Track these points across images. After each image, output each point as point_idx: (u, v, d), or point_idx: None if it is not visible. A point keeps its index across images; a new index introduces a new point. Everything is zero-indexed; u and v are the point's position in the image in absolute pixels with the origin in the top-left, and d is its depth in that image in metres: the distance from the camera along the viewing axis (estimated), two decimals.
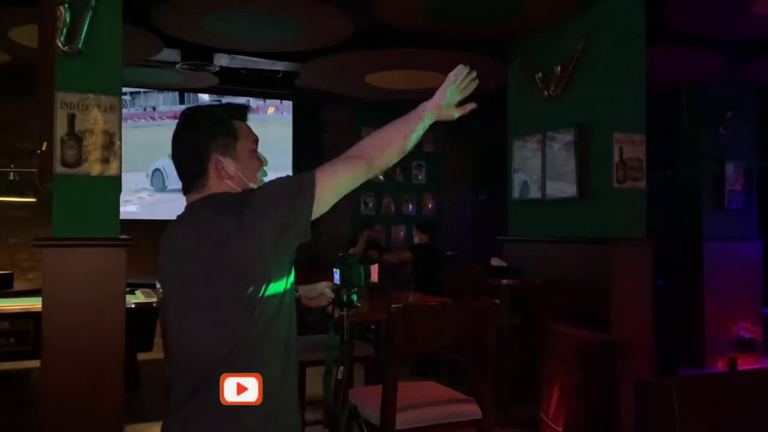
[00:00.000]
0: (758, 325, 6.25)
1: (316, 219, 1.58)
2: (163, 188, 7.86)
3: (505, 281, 4.79)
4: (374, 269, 4.02)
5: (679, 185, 6.78)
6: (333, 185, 1.57)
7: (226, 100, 7.45)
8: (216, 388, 1.53)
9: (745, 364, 5.04)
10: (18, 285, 6.46)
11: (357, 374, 4.05)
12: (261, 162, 1.73)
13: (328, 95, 8.16)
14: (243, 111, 1.72)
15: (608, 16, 4.52)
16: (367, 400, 2.72)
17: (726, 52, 5.70)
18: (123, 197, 3.60)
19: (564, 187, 4.76)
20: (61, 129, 3.29)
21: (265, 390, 1.57)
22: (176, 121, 1.72)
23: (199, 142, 1.65)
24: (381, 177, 8.43)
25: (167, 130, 2.09)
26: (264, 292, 1.55)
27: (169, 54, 6.06)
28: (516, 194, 5.35)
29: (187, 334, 1.61)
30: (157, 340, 4.70)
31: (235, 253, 1.52)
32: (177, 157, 1.69)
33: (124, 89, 6.79)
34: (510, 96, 5.52)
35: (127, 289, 3.63)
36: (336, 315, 2.11)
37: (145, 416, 4.49)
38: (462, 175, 9.71)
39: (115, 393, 3.34)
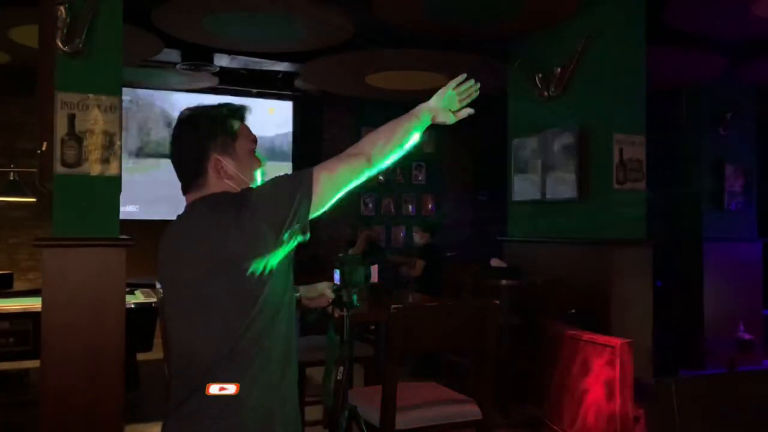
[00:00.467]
0: (758, 325, 6.25)
1: (316, 219, 1.58)
2: None
3: (504, 282, 4.79)
4: (374, 269, 4.02)
5: (679, 186, 6.78)
6: (331, 183, 1.57)
7: (226, 100, 7.45)
8: (215, 389, 1.54)
9: (745, 364, 5.03)
10: (18, 285, 6.45)
11: (357, 374, 4.05)
12: (260, 162, 1.74)
13: (328, 95, 8.17)
14: (242, 111, 1.73)
15: (608, 16, 4.52)
16: (367, 400, 2.72)
17: (726, 52, 5.70)
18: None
19: (564, 188, 4.76)
20: (61, 129, 3.29)
21: (265, 389, 1.57)
22: None
23: (199, 142, 1.65)
24: (381, 177, 8.44)
25: None
26: (263, 292, 1.55)
27: (169, 54, 6.06)
28: (516, 195, 5.35)
29: (186, 333, 1.61)
30: (157, 340, 4.70)
31: (233, 252, 1.52)
32: (176, 156, 1.69)
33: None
34: (510, 96, 5.52)
35: (127, 289, 3.64)
36: (336, 315, 2.11)
37: (145, 416, 4.49)
38: (462, 175, 9.71)
39: (115, 393, 3.34)
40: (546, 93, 4.92)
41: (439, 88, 1.76)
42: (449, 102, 1.74)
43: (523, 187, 5.24)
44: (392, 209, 9.26)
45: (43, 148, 3.52)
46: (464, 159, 9.69)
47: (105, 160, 3.36)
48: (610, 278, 4.32)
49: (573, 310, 4.33)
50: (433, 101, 1.73)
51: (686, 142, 6.69)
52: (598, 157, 4.51)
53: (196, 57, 6.20)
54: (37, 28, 4.04)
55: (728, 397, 1.91)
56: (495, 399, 2.90)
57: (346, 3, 4.68)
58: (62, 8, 3.21)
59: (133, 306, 4.75)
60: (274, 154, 8.71)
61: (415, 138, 1.68)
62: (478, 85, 1.76)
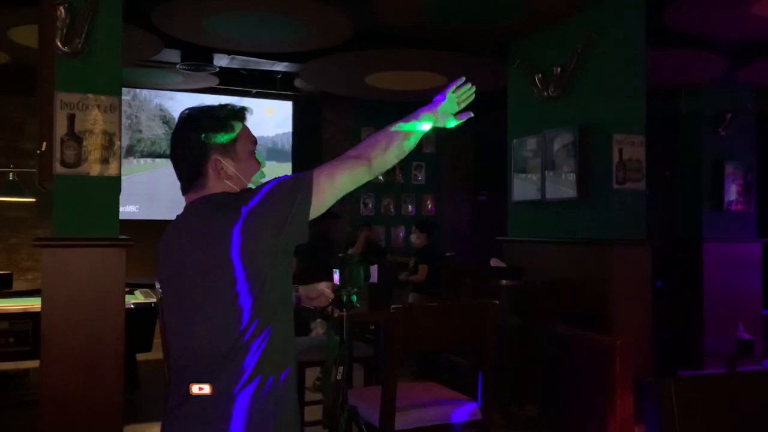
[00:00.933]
0: (757, 326, 6.25)
1: (316, 219, 1.59)
2: None
3: (504, 282, 4.79)
4: (374, 269, 4.02)
5: (679, 186, 6.78)
6: (331, 186, 1.57)
7: (225, 100, 7.45)
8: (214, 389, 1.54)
9: (744, 365, 5.03)
10: (17, 285, 6.45)
11: (357, 374, 4.05)
12: (259, 163, 1.74)
13: (328, 95, 8.17)
14: (242, 112, 1.73)
15: (608, 16, 4.52)
16: (366, 400, 2.73)
17: (726, 53, 5.70)
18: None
19: (564, 188, 4.76)
20: (60, 129, 3.29)
21: (264, 390, 1.57)
22: None
23: (199, 142, 1.66)
24: (380, 178, 8.43)
25: None
26: (262, 292, 1.55)
27: (169, 54, 6.06)
28: (516, 195, 5.35)
29: (185, 333, 1.61)
30: (157, 341, 4.71)
31: (233, 252, 1.52)
32: (176, 157, 1.70)
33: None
34: (510, 96, 5.52)
35: (127, 289, 3.63)
36: (336, 315, 2.11)
37: (144, 416, 4.49)
38: (462, 175, 9.71)
39: (115, 393, 3.33)
40: (546, 93, 4.92)
41: (437, 88, 1.77)
42: (449, 105, 1.75)
43: (523, 187, 5.24)
44: (392, 209, 9.27)
45: (43, 148, 3.52)
46: (464, 159, 9.70)
47: (105, 161, 3.36)
48: (609, 278, 4.32)
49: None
50: (434, 104, 1.73)
51: (686, 142, 6.70)
52: (598, 157, 4.51)
53: (196, 57, 6.20)
54: (36, 28, 4.04)
55: (728, 398, 1.91)
56: (495, 399, 2.89)
57: (346, 3, 4.68)
58: (62, 8, 3.21)
59: (132, 306, 4.76)
60: (274, 154, 8.72)
61: (415, 141, 1.69)
62: (474, 89, 1.77)
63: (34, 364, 4.59)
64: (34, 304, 4.42)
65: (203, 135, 1.66)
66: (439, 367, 5.49)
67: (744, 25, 4.94)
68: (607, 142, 4.42)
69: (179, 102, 7.97)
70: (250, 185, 1.69)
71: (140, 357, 5.14)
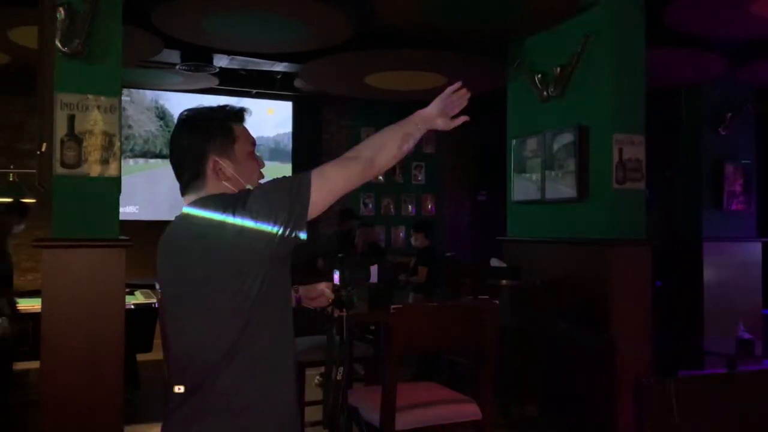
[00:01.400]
0: (758, 325, 6.25)
1: (315, 219, 1.59)
2: None
3: (504, 282, 4.79)
4: (374, 269, 4.02)
5: (679, 186, 6.78)
6: (328, 187, 1.58)
7: (225, 100, 7.44)
8: (214, 388, 1.54)
9: (745, 364, 5.03)
10: (18, 285, 6.45)
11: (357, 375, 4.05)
12: (258, 164, 1.75)
13: (328, 95, 8.17)
14: (241, 113, 1.74)
15: (608, 16, 4.51)
16: (366, 400, 2.73)
17: (725, 53, 5.71)
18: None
19: (563, 188, 4.76)
20: (60, 130, 3.29)
21: (263, 390, 1.58)
22: None
23: (198, 143, 1.66)
24: (380, 178, 8.44)
25: None
26: (260, 293, 1.55)
27: (169, 55, 6.06)
28: (515, 195, 5.35)
29: (184, 334, 1.61)
30: (157, 341, 4.71)
31: (230, 253, 1.52)
32: (175, 157, 1.70)
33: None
34: (510, 96, 5.52)
35: (127, 289, 3.64)
36: (336, 315, 2.11)
37: (145, 416, 4.49)
38: (462, 175, 9.71)
39: (115, 393, 3.34)
40: (546, 93, 4.92)
41: (437, 88, 1.77)
42: (445, 108, 1.75)
43: (523, 187, 5.25)
44: (392, 209, 9.26)
45: (43, 149, 3.52)
46: (464, 159, 9.70)
47: (104, 161, 3.36)
48: (609, 278, 4.32)
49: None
50: (431, 108, 1.73)
51: (686, 142, 6.70)
52: (598, 157, 4.51)
53: (196, 57, 6.20)
54: (36, 29, 4.04)
55: (728, 397, 1.91)
56: (495, 399, 2.89)
57: (346, 3, 4.68)
58: (61, 9, 3.21)
59: (132, 306, 4.76)
60: (274, 155, 8.72)
61: (412, 144, 1.69)
62: (469, 95, 1.77)
63: (34, 364, 4.60)
64: (34, 304, 4.43)
65: (202, 136, 1.67)
66: (439, 367, 5.49)
67: (744, 24, 4.94)
68: (606, 142, 4.42)
69: (179, 103, 7.97)
70: (249, 187, 1.69)
71: (140, 357, 5.15)
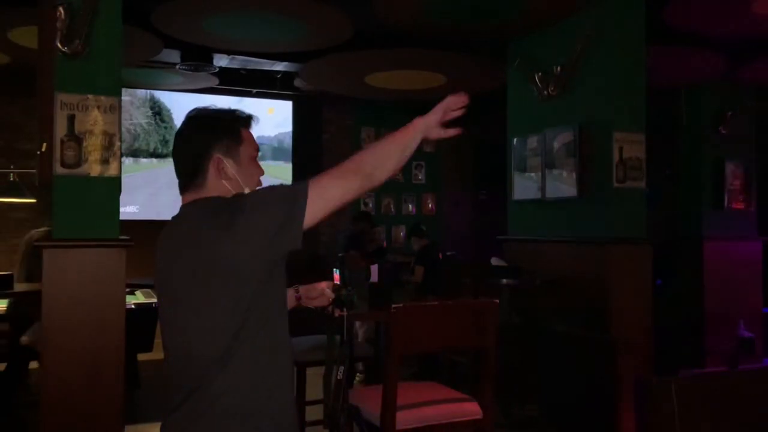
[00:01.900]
0: (758, 324, 6.24)
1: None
2: None
3: (504, 281, 4.79)
4: (374, 269, 4.02)
5: (679, 185, 6.78)
6: (325, 197, 1.56)
7: (225, 100, 7.44)
8: (210, 390, 1.54)
9: (745, 363, 5.03)
10: (18, 285, 6.44)
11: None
12: (259, 170, 1.75)
13: (328, 95, 8.17)
14: (249, 120, 1.75)
15: (608, 16, 4.51)
16: (367, 400, 2.72)
17: (726, 52, 5.70)
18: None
19: (564, 187, 4.76)
20: (60, 130, 3.29)
21: (261, 390, 1.57)
22: None
23: (203, 140, 1.67)
24: None
25: None
26: (255, 295, 1.55)
27: (169, 54, 6.06)
28: (516, 194, 5.35)
29: (180, 336, 1.61)
30: (157, 341, 4.71)
31: (224, 255, 1.52)
32: (178, 153, 1.70)
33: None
34: (510, 95, 5.52)
35: (127, 289, 3.63)
36: (336, 315, 2.11)
37: (145, 416, 4.49)
38: (462, 174, 9.71)
39: (115, 393, 3.33)
40: (546, 92, 4.91)
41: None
42: (445, 117, 1.73)
43: (523, 186, 5.24)
44: (392, 209, 9.26)
45: (43, 149, 3.51)
46: (464, 158, 9.70)
47: (105, 161, 3.36)
48: (610, 277, 4.32)
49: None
50: (431, 116, 1.71)
51: (686, 140, 6.70)
52: (598, 156, 4.51)
53: (196, 57, 6.20)
54: (36, 29, 4.03)
55: (729, 396, 1.91)
56: (495, 399, 2.89)
57: (346, 3, 4.67)
58: (62, 9, 3.21)
59: (133, 306, 4.76)
60: (274, 154, 8.72)
61: (410, 152, 1.66)
62: (467, 101, 1.75)
63: (34, 364, 4.60)
64: None
65: (209, 133, 1.68)
66: (439, 367, 5.49)
67: (744, 23, 4.94)
68: (607, 141, 4.42)
69: (179, 102, 7.97)
70: (246, 190, 1.69)
71: (140, 357, 5.15)
